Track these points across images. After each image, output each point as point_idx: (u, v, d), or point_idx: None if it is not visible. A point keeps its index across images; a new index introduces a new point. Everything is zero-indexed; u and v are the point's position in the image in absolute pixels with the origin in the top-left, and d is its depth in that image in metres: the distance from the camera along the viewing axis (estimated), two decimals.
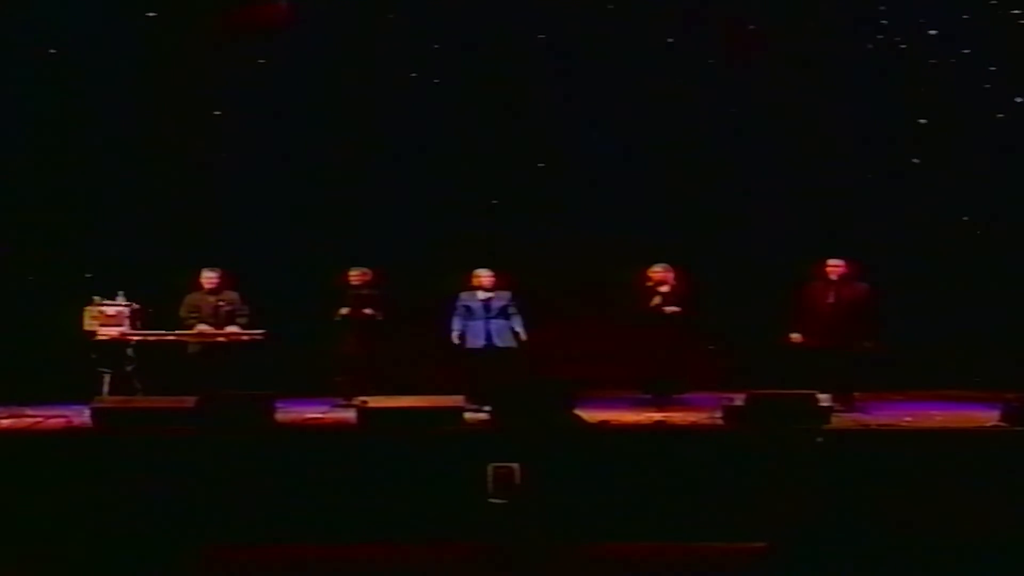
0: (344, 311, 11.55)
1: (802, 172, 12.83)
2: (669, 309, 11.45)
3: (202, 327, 11.25)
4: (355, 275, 11.73)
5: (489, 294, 11.34)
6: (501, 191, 13.08)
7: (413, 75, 12.86)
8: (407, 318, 12.35)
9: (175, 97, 12.78)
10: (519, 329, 11.29)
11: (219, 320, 11.30)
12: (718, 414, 9.73)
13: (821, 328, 10.98)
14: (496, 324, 11.24)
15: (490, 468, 8.81)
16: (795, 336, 11.12)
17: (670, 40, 12.76)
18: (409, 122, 12.90)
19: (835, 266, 11.17)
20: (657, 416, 10.30)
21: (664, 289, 11.57)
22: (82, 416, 9.85)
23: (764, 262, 12.45)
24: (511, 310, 11.30)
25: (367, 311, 11.54)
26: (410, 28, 12.86)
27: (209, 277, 11.46)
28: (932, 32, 12.55)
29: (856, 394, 10.90)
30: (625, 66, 12.80)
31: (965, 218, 12.76)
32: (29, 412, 10.48)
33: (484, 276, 11.40)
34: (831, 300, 11.04)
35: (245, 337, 11.16)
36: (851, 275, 11.17)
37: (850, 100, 12.71)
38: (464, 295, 11.36)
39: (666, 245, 12.14)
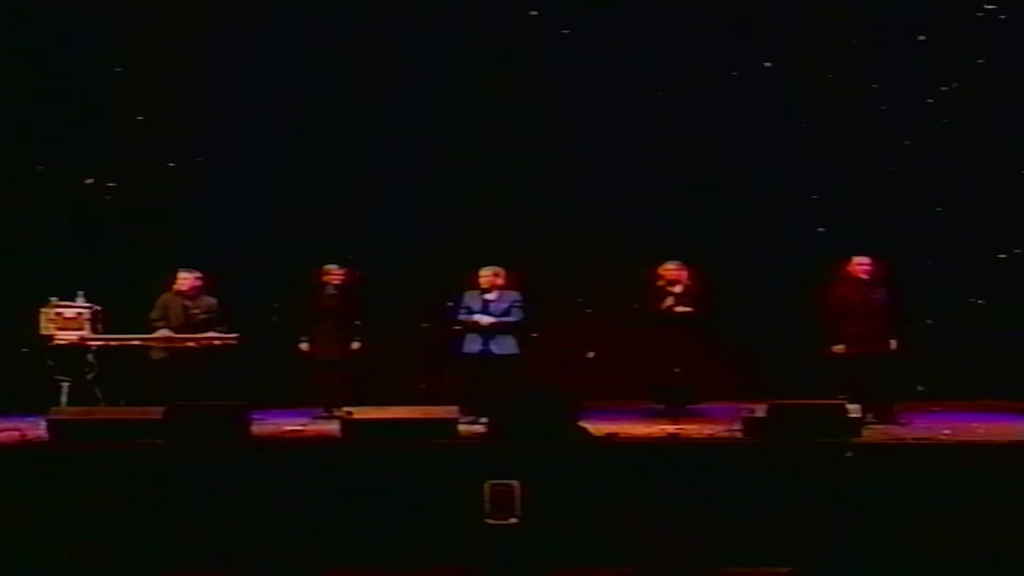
0: (305, 347, 11.63)
1: (829, 166, 12.79)
2: (681, 309, 11.43)
3: (166, 332, 11.18)
4: (335, 272, 11.71)
5: (492, 295, 11.30)
6: (502, 184, 13.03)
7: (409, 61, 12.81)
8: (398, 321, 12.36)
9: (145, 85, 12.78)
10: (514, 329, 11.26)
11: (191, 328, 11.22)
12: (737, 426, 9.69)
13: (860, 333, 10.92)
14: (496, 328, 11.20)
15: (487, 486, 8.79)
16: (839, 348, 10.99)
17: (685, 30, 12.73)
18: (400, 110, 12.85)
19: (864, 264, 11.11)
20: (670, 428, 10.27)
21: (677, 289, 11.55)
22: (38, 428, 9.79)
23: (786, 260, 12.41)
24: (515, 312, 11.25)
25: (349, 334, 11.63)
26: (405, 8, 12.84)
27: (184, 278, 11.36)
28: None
29: (896, 406, 10.86)
30: (637, 55, 12.77)
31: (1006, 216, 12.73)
32: None
33: (485, 276, 11.36)
34: (881, 299, 10.98)
35: (217, 342, 11.12)
36: (879, 274, 11.15)
37: (876, 90, 12.71)
38: (468, 295, 11.35)
39: (679, 241, 12.10)
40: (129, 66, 12.75)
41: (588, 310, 12.93)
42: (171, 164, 12.84)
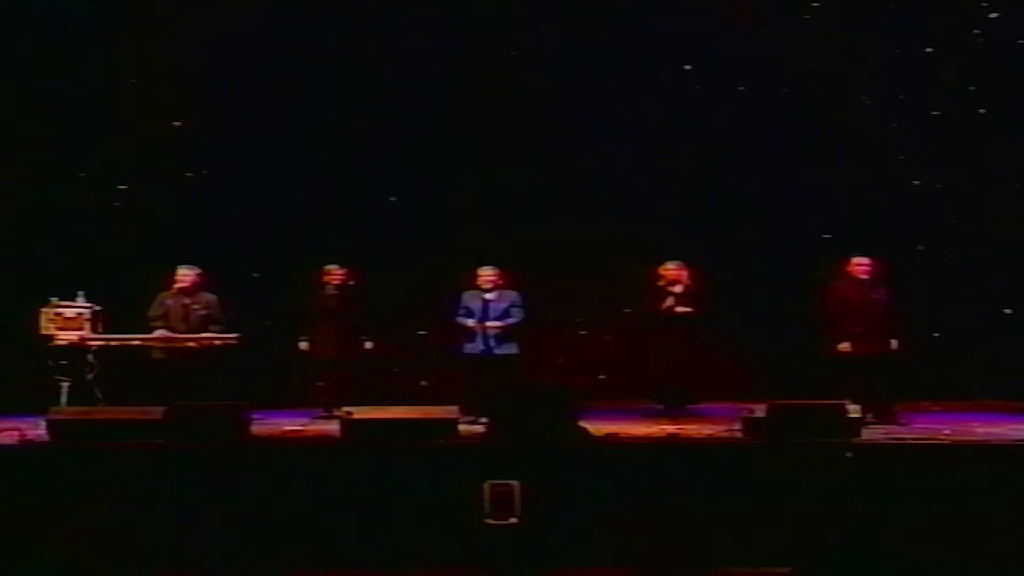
0: (305, 347, 11.62)
1: (830, 164, 12.80)
2: (681, 309, 11.44)
3: (165, 331, 11.18)
4: (335, 272, 11.71)
5: (492, 295, 11.30)
6: (502, 183, 13.03)
7: (409, 61, 12.81)
8: (398, 321, 12.37)
9: (142, 80, 12.79)
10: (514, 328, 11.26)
11: (190, 326, 11.23)
12: (737, 426, 9.69)
13: (860, 333, 10.92)
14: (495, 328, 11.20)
15: (487, 486, 8.79)
16: (844, 346, 10.99)
17: (687, 31, 12.74)
18: (401, 110, 12.85)
19: (864, 264, 11.11)
20: (670, 428, 10.26)
21: (677, 289, 11.56)
22: (37, 429, 9.77)
23: (786, 260, 12.42)
24: (514, 311, 11.26)
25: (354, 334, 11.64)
26: (405, 8, 12.83)
27: (184, 275, 11.35)
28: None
29: (896, 406, 10.86)
30: (638, 56, 12.78)
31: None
32: None
33: (484, 275, 11.37)
34: (881, 299, 10.99)
35: (217, 342, 11.11)
36: (879, 274, 11.16)
37: (877, 90, 12.73)
38: (467, 295, 11.34)
39: (679, 241, 12.10)
40: (131, 66, 12.76)
41: (582, 333, 12.96)
42: (189, 174, 12.87)
